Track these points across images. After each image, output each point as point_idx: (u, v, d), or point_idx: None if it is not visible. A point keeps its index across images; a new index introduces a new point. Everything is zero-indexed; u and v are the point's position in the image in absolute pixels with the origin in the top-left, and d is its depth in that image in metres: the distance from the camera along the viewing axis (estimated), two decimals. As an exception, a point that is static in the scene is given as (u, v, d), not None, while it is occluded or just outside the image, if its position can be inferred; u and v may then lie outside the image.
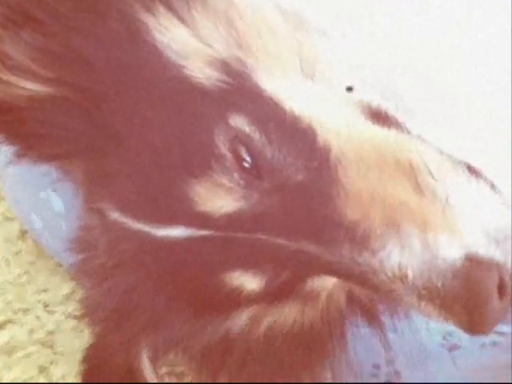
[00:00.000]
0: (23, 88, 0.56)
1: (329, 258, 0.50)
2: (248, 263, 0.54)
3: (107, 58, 0.55)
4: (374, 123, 0.57)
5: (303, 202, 0.50)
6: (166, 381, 0.87)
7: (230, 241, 0.53)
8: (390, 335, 0.75)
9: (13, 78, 0.56)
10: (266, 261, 0.54)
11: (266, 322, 0.65)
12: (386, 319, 0.71)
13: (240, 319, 0.64)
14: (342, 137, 0.53)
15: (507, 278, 0.47)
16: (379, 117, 0.58)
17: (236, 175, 0.51)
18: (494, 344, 0.79)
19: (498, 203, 0.50)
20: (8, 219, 1.14)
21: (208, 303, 0.60)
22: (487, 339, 0.80)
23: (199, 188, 0.52)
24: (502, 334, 0.80)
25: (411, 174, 0.50)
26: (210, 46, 0.55)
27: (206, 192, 0.52)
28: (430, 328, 0.77)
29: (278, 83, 0.55)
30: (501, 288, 0.46)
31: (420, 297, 0.47)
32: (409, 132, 0.57)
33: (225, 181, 0.51)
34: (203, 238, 0.53)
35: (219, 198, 0.51)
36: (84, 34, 0.55)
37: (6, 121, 0.59)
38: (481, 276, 0.46)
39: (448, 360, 0.78)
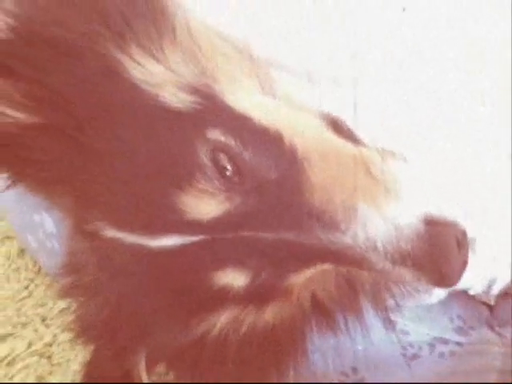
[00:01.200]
0: (12, 117, 0.61)
1: (307, 241, 0.56)
2: (235, 260, 0.59)
3: (86, 94, 0.60)
4: (330, 128, 0.65)
5: (279, 197, 0.57)
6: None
7: (219, 242, 0.58)
8: (355, 345, 0.81)
9: (1, 108, 0.61)
10: (251, 255, 0.59)
11: (246, 324, 0.69)
12: (346, 327, 0.76)
13: (219, 321, 0.68)
14: (306, 138, 0.60)
15: (460, 234, 0.55)
16: (335, 124, 0.66)
17: (216, 182, 0.57)
18: (452, 354, 0.84)
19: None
20: (9, 238, 1.21)
21: (198, 304, 0.65)
22: (446, 349, 0.85)
23: (187, 198, 0.57)
24: (459, 344, 0.85)
25: (363, 164, 0.58)
26: (180, 75, 0.62)
27: (193, 200, 0.57)
28: (390, 338, 0.83)
29: (244, 102, 0.62)
30: (458, 242, 0.55)
31: (393, 262, 0.54)
32: (359, 141, 0.65)
33: (208, 188, 0.57)
34: (194, 243, 0.58)
35: (205, 204, 0.57)
36: (62, 75, 0.60)
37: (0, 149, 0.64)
38: (441, 234, 0.54)
39: (407, 370, 0.84)
